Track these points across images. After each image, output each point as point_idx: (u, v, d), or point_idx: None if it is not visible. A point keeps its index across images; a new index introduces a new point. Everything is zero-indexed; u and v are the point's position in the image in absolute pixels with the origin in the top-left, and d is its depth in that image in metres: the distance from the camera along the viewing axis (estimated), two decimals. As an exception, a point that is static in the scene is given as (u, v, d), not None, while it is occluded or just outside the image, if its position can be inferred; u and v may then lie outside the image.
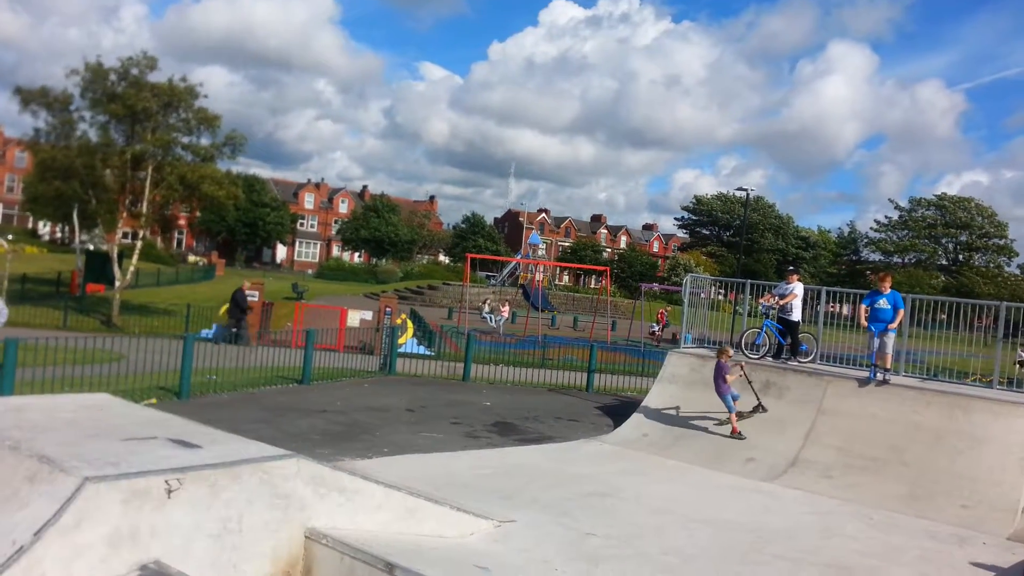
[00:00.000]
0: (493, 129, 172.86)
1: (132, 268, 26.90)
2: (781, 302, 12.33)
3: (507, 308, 36.38)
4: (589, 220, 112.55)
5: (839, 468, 9.85)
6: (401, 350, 19.36)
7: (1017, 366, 15.21)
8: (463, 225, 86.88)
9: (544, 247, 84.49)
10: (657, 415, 12.06)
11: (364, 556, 4.97)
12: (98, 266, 31.30)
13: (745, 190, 43.90)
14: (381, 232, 77.82)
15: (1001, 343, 11.64)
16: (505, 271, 66.12)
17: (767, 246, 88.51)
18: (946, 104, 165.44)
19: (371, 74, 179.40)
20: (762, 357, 12.30)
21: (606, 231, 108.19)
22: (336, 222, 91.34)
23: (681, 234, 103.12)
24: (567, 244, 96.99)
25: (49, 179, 24.41)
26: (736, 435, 10.94)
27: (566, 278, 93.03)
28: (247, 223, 75.11)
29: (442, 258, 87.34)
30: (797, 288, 12.40)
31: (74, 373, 11.28)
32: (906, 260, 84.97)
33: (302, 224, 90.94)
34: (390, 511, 5.78)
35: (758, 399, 11.25)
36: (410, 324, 23.04)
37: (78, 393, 8.05)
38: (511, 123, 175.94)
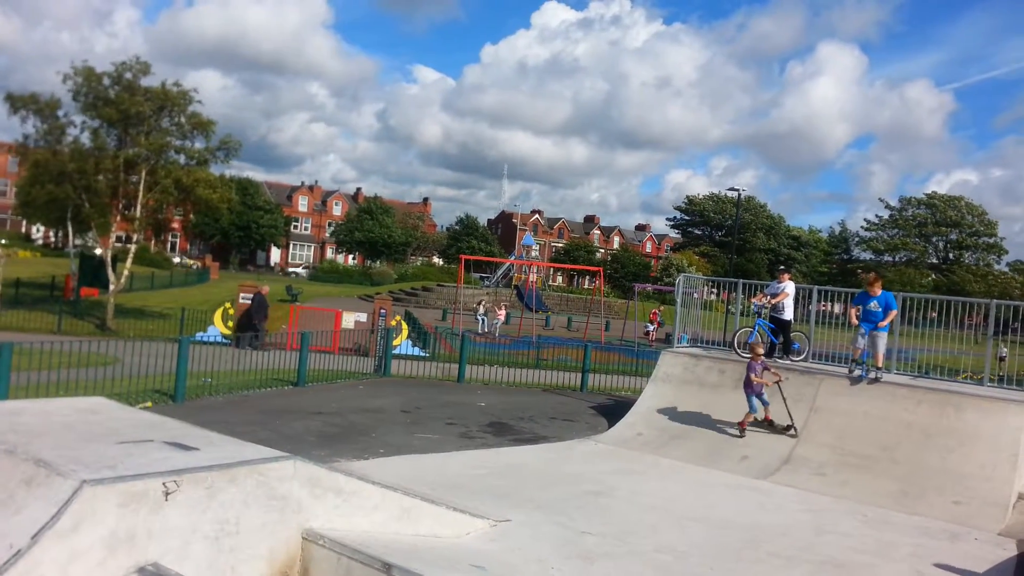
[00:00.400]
0: (486, 131, 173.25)
1: (126, 272, 26.83)
2: (773, 301, 12.40)
3: (503, 310, 36.47)
4: (582, 221, 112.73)
5: (832, 466, 9.91)
6: (396, 352, 19.38)
7: (1000, 362, 15.34)
8: (457, 227, 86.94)
9: (538, 248, 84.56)
10: (651, 414, 12.11)
11: (361, 556, 5.00)
12: (92, 270, 31.18)
13: (737, 190, 44.05)
14: (375, 234, 77.84)
15: (991, 340, 11.72)
16: (499, 272, 66.13)
17: (759, 246, 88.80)
18: (935, 104, 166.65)
19: (364, 77, 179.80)
20: (755, 356, 12.35)
21: (599, 232, 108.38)
22: (330, 224, 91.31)
23: (674, 234, 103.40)
24: (560, 245, 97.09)
25: (42, 183, 24.31)
26: (740, 430, 10.90)
27: (560, 279, 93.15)
28: (241, 226, 75.04)
29: (436, 260, 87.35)
30: (789, 287, 12.46)
31: (69, 377, 11.27)
32: (897, 259, 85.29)
33: (296, 227, 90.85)
34: (386, 512, 5.81)
35: (791, 419, 10.81)
36: (405, 326, 23.04)
37: (74, 397, 8.05)
38: (504, 125, 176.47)
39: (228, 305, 23.21)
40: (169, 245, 75.38)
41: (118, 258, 27.38)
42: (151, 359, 12.70)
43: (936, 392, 10.36)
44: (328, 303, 33.55)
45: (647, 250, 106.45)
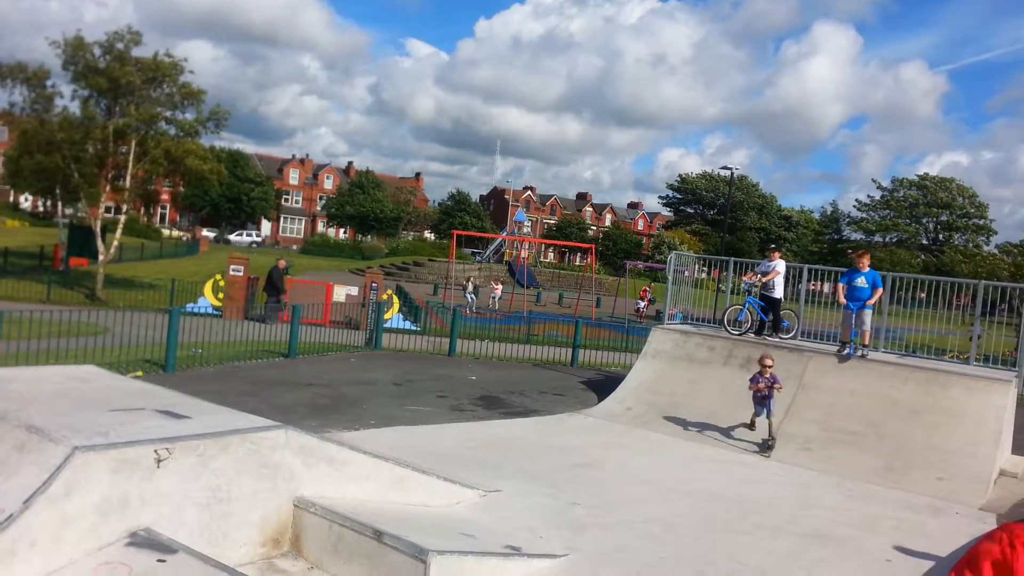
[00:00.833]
0: (479, 107, 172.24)
1: (116, 242, 26.68)
2: (763, 279, 12.46)
3: (500, 287, 36.67)
4: (575, 198, 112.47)
5: (818, 441, 10.02)
6: (387, 325, 19.39)
7: (971, 339, 15.51)
8: (449, 202, 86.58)
9: (529, 224, 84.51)
10: (641, 389, 12.19)
11: (352, 524, 5.05)
12: (81, 240, 31.03)
13: (729, 169, 44.00)
14: (367, 208, 77.48)
15: (979, 321, 11.83)
16: (491, 248, 66.13)
17: (750, 225, 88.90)
18: (928, 85, 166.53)
19: (357, 50, 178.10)
20: (744, 333, 12.44)
21: (591, 209, 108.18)
22: (321, 198, 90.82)
23: (666, 212, 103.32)
24: (552, 222, 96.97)
25: (30, 153, 24.10)
26: (749, 426, 10.27)
27: (551, 255, 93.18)
28: (231, 198, 74.56)
29: (428, 235, 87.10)
30: (779, 266, 12.51)
31: (59, 346, 11.26)
32: (887, 239, 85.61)
33: (287, 200, 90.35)
34: (378, 481, 5.86)
35: (772, 435, 10.04)
36: (396, 300, 23.03)
37: (64, 365, 8.05)
38: (497, 101, 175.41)
39: (219, 276, 23.14)
40: (159, 217, 74.88)
41: (107, 228, 27.20)
42: (141, 329, 12.68)
43: (923, 370, 10.47)
44: (319, 276, 33.48)
45: (639, 228, 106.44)
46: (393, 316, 21.60)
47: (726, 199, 67.88)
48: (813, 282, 14.96)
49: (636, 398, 11.97)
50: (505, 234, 61.71)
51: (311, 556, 5.20)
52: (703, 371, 12.05)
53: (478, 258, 63.96)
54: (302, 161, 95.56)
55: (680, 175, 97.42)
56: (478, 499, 6.64)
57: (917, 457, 9.36)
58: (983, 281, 12.11)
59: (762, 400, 10.00)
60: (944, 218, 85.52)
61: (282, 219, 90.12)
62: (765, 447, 9.97)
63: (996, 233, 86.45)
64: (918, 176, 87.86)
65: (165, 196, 36.98)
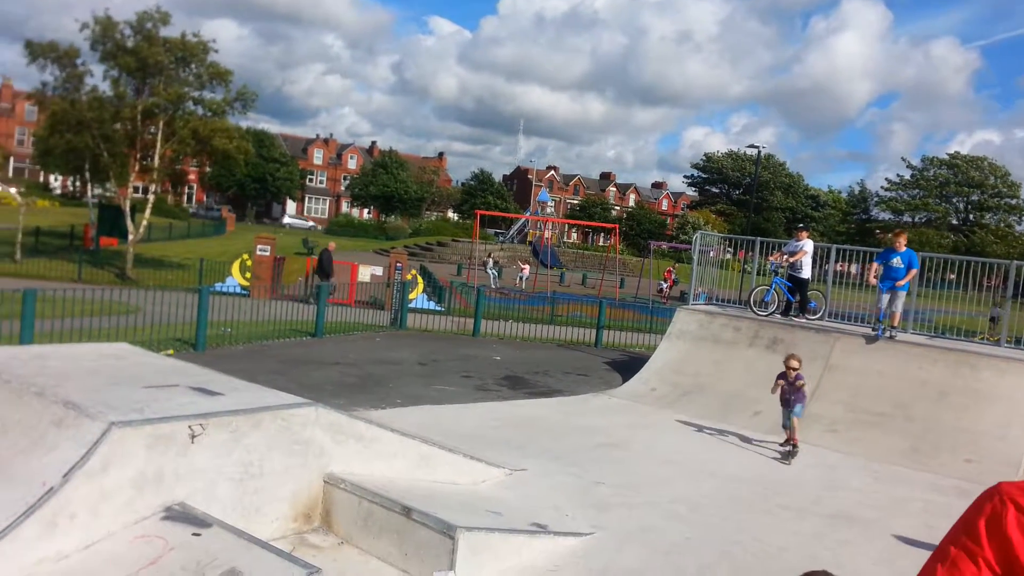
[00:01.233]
0: (502, 85, 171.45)
1: (145, 222, 27.01)
2: (791, 259, 12.35)
3: (527, 267, 36.76)
4: (598, 178, 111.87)
5: (845, 423, 9.97)
6: (411, 305, 19.50)
7: (991, 322, 15.28)
8: (472, 182, 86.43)
9: (553, 204, 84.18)
10: (665, 370, 12.18)
11: (381, 500, 5.12)
12: (111, 219, 31.42)
13: (756, 147, 43.54)
14: (390, 188, 77.62)
15: (1011, 302, 11.66)
16: (514, 228, 65.99)
17: (777, 204, 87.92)
18: (960, 62, 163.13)
19: (380, 28, 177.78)
20: (770, 314, 12.37)
21: (615, 189, 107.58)
22: (345, 178, 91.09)
23: (690, 192, 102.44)
24: (576, 202, 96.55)
25: (60, 132, 24.43)
26: (791, 446, 8.99)
27: (575, 235, 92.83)
28: (257, 178, 74.98)
29: (451, 215, 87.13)
30: (807, 245, 12.40)
31: (91, 325, 11.45)
32: (916, 219, 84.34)
33: (311, 180, 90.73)
34: (405, 459, 5.93)
35: (793, 438, 9.05)
36: (420, 280, 23.12)
37: (98, 343, 8.19)
38: (520, 79, 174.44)
39: (246, 256, 23.37)
40: (186, 196, 75.59)
41: (136, 208, 27.54)
42: (171, 308, 12.86)
43: (952, 352, 10.35)
44: (344, 256, 33.66)
45: (663, 208, 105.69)
46: (417, 296, 21.70)
47: (752, 178, 67.21)
48: (841, 263, 14.79)
49: (661, 379, 11.97)
50: (528, 214, 61.50)
51: (341, 531, 5.29)
52: (728, 352, 12.00)
53: (501, 238, 63.89)
54: (326, 141, 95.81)
55: (705, 154, 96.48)
56: (504, 478, 6.70)
57: (945, 439, 9.28)
58: (1015, 262, 11.91)
59: (787, 402, 9.03)
60: (975, 198, 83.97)
61: (307, 199, 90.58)
62: (787, 455, 8.89)
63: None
64: (948, 155, 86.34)
65: (192, 176, 37.29)
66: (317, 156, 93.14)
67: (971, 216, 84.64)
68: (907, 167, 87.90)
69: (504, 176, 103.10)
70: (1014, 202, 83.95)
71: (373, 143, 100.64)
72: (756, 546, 5.95)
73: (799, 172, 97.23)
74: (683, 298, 22.35)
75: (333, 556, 5.00)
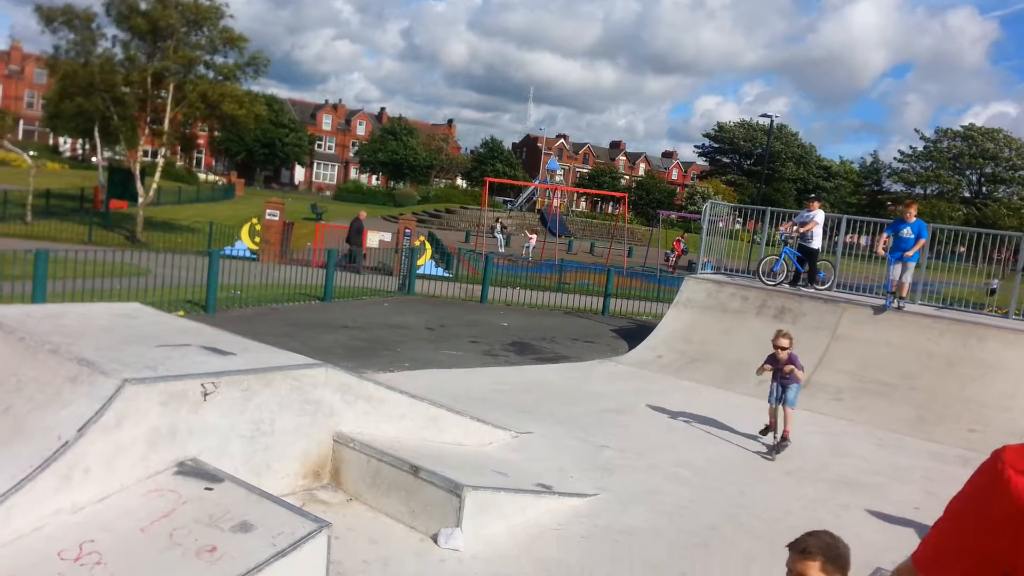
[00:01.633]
0: (513, 52, 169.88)
1: (154, 185, 27.05)
2: (802, 230, 12.32)
3: (534, 236, 36.77)
4: (608, 147, 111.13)
5: (850, 392, 10.02)
6: (419, 271, 19.56)
7: (989, 294, 15.23)
8: (481, 149, 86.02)
9: (562, 173, 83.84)
10: (672, 338, 12.23)
11: (390, 459, 5.20)
12: (120, 182, 31.49)
13: (769, 117, 43.11)
14: (399, 155, 77.38)
15: (1020, 275, 11.61)
16: (523, 196, 65.81)
17: (788, 175, 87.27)
18: (978, 32, 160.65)
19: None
20: (778, 284, 12.36)
21: (625, 158, 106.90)
22: (354, 144, 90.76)
23: (701, 162, 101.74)
24: (585, 170, 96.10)
25: (71, 95, 24.41)
26: (782, 438, 7.80)
27: (583, 204, 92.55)
28: (265, 143, 74.79)
29: (460, 182, 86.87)
30: (818, 215, 12.36)
31: (102, 286, 11.55)
32: (928, 191, 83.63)
33: (319, 146, 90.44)
34: (413, 420, 6.01)
35: (775, 430, 8.00)
36: (428, 246, 23.15)
37: (111, 303, 8.27)
38: (531, 46, 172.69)
39: (255, 221, 23.43)
40: (194, 161, 75.51)
41: (146, 172, 27.56)
42: (181, 271, 12.95)
43: (960, 323, 10.36)
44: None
45: (673, 177, 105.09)
46: (426, 263, 21.76)
47: (764, 148, 66.67)
48: (851, 234, 14.74)
49: (667, 346, 12.02)
50: (537, 182, 61.29)
51: (350, 488, 5.38)
52: (735, 321, 12.03)
53: (510, 206, 63.75)
54: (335, 107, 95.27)
55: (717, 123, 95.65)
56: (510, 440, 6.78)
57: (950, 409, 9.33)
58: (1026, 234, 11.85)
59: (783, 386, 7.86)
60: (989, 170, 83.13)
61: (315, 165, 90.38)
62: (773, 449, 7.70)
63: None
64: (963, 127, 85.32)
65: (201, 141, 37.24)
66: (326, 122, 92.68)
67: (984, 189, 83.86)
68: (920, 139, 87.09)
69: (513, 144, 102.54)
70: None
71: (382, 109, 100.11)
72: (759, 509, 6.03)
73: (811, 142, 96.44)
74: (691, 268, 22.29)
75: (342, 512, 5.10)
